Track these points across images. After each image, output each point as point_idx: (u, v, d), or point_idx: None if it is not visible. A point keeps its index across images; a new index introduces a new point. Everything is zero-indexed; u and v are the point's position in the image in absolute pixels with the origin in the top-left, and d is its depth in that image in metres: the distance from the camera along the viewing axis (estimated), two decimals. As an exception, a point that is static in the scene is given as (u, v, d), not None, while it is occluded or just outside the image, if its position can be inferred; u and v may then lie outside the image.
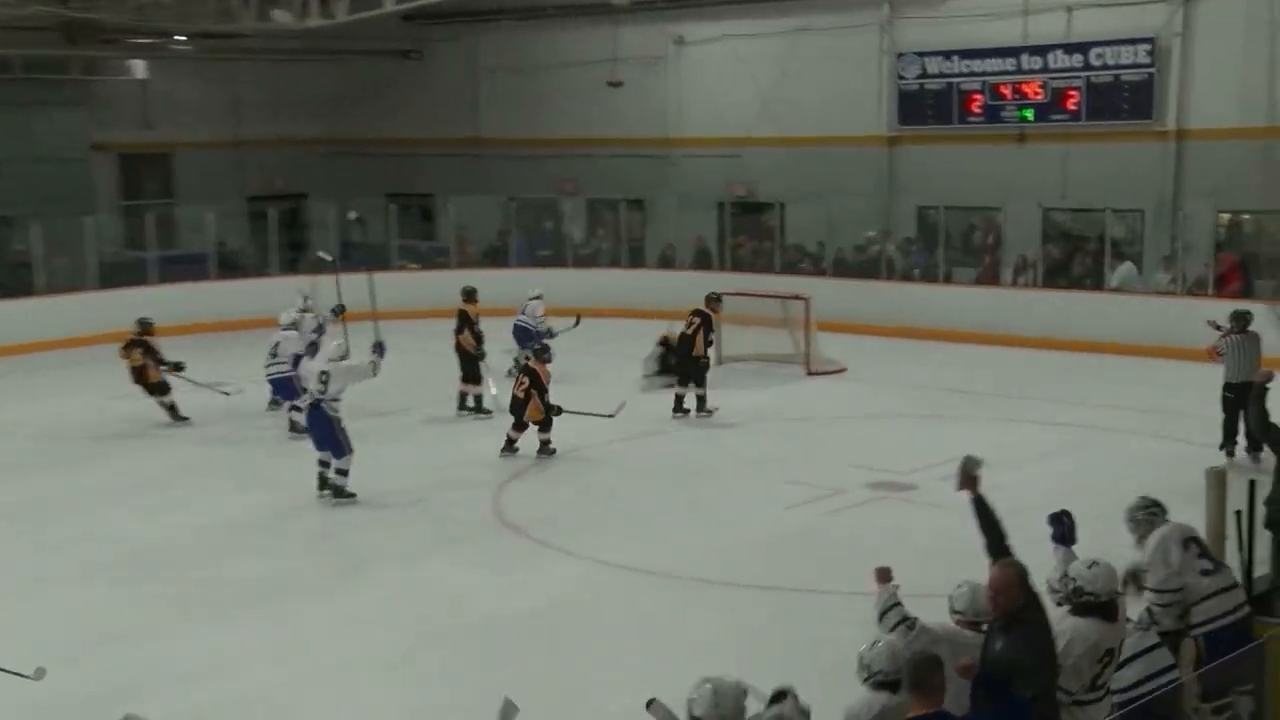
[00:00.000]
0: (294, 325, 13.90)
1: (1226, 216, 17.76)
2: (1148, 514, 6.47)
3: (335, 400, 11.00)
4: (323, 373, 11.04)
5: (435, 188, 24.18)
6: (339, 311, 14.31)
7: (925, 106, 20.15)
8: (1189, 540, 6.32)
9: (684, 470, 12.15)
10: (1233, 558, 6.76)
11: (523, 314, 16.22)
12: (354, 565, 9.73)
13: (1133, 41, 18.14)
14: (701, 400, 14.12)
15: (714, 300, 14.81)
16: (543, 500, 11.36)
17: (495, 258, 22.75)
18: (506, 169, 24.74)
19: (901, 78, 20.28)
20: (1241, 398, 11.14)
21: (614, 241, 22.59)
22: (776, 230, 20.98)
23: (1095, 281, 18.00)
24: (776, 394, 15.64)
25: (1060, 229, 19.39)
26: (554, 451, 12.53)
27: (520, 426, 12.48)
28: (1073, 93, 18.73)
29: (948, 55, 19.76)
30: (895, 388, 15.37)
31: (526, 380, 12.53)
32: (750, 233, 21.73)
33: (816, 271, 20.14)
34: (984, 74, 19.47)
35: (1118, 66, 18.32)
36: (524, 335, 15.70)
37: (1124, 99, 18.34)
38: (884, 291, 19.04)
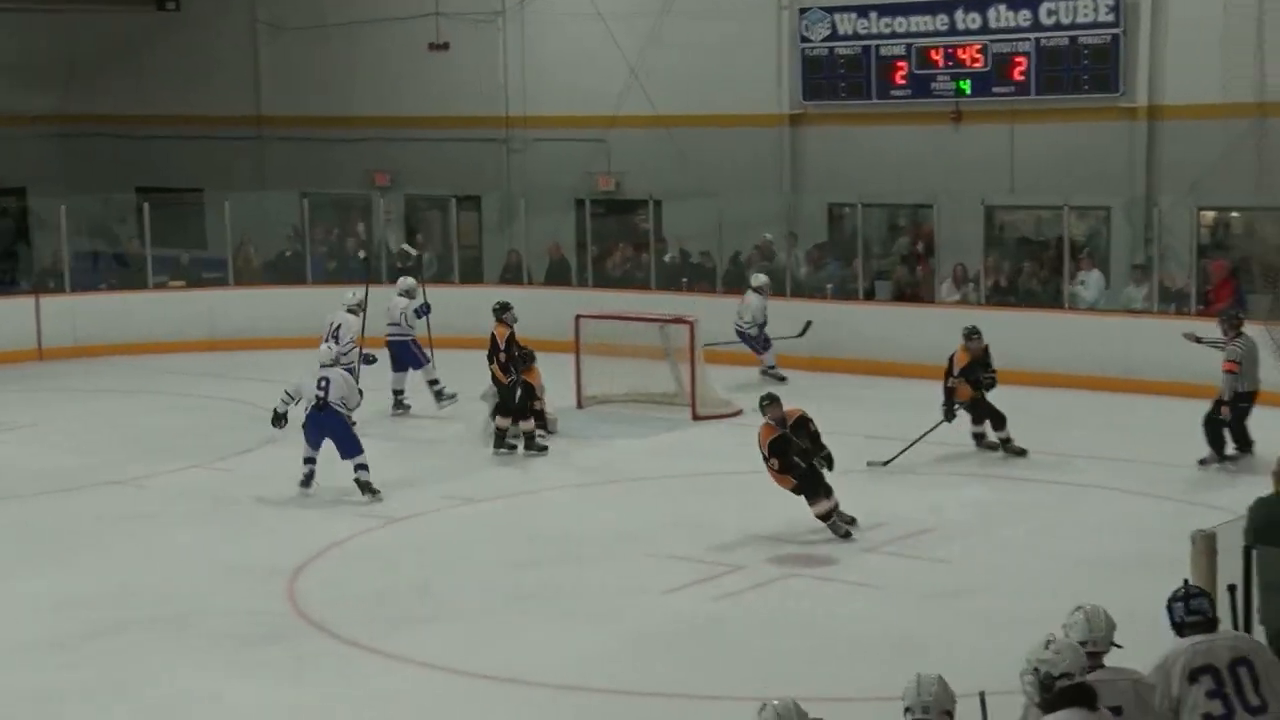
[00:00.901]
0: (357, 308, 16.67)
1: (1210, 215, 18.46)
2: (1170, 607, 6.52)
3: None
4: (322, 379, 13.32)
5: (205, 181, 23.80)
6: (424, 312, 17.17)
7: (836, 77, 20.56)
8: (1201, 671, 6.12)
9: (536, 544, 12.10)
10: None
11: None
12: (121, 679, 9.46)
13: (1092, -6, 18.82)
14: (529, 437, 15.00)
15: (499, 310, 15.49)
16: (352, 586, 11.20)
17: (286, 272, 22.42)
18: (299, 157, 24.47)
19: (805, 40, 20.67)
20: (1250, 406, 13.36)
21: (442, 250, 22.46)
22: (651, 234, 21.12)
23: (1052, 297, 18.50)
24: (654, 444, 15.69)
25: (1009, 231, 19.90)
26: (544, 448, 14.91)
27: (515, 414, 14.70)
28: (1020, 60, 19.31)
29: (863, 11, 20.21)
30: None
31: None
32: (620, 238, 21.84)
33: (704, 288, 20.32)
34: (909, 35, 19.96)
35: (1075, 27, 18.94)
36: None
37: (1083, 68, 18.97)
38: (788, 312, 19.27)
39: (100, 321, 20.94)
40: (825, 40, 20.56)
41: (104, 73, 25.76)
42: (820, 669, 9.33)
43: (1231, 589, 6.96)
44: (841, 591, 10.85)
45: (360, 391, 14.02)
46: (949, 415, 14.31)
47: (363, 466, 13.35)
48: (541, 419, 15.28)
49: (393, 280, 21.66)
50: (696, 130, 21.60)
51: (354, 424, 13.86)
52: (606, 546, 12.07)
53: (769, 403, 11.90)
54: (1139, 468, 13.91)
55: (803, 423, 11.96)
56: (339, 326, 16.61)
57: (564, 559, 11.74)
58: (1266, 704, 6.03)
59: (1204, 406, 13.86)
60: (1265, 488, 8.10)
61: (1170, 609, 6.33)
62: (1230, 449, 13.69)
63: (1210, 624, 6.29)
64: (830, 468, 11.92)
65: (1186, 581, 6.56)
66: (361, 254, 15.76)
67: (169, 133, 25.09)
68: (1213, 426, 13.70)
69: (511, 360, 15.23)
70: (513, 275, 21.56)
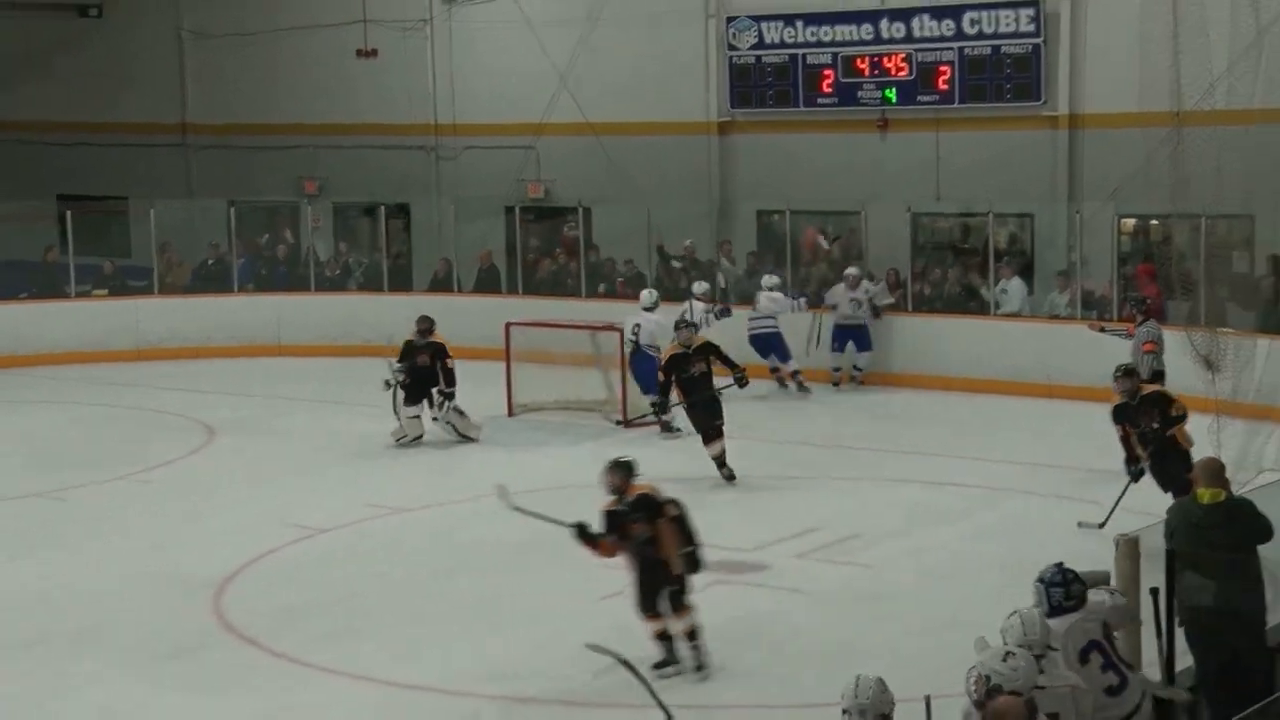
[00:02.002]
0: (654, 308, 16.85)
1: (1130, 222, 18.74)
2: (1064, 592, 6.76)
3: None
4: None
5: (129, 189, 23.57)
6: (723, 314, 17.72)
7: (764, 85, 20.70)
8: (1091, 648, 6.55)
9: (466, 553, 12.09)
10: (1149, 645, 7.09)
11: None
12: (43, 692, 9.35)
13: (1014, 4, 19.05)
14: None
15: (418, 320, 15.90)
16: (280, 598, 11.13)
17: (212, 281, 22.24)
18: (225, 164, 24.29)
19: (733, 48, 20.79)
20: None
21: (371, 258, 22.37)
22: (581, 241, 21.14)
23: (977, 303, 18.69)
24: (584, 452, 15.66)
25: (935, 237, 20.10)
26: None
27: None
28: (944, 69, 19.53)
29: (790, 20, 20.36)
30: (738, 441, 15.59)
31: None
32: (550, 245, 21.85)
33: (634, 294, 20.34)
34: (836, 44, 20.14)
35: (997, 37, 19.20)
36: None
37: (1006, 77, 19.23)
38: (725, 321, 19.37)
39: (21, 331, 20.66)
40: (752, 49, 20.69)
41: (25, 80, 25.44)
42: (755, 675, 9.40)
43: (1154, 592, 7.09)
44: (773, 598, 10.92)
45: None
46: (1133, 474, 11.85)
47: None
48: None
49: (321, 288, 21.73)
50: (625, 138, 21.66)
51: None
52: (538, 554, 12.03)
53: (683, 325, 14.31)
54: (1062, 472, 14.12)
55: (707, 349, 14.00)
56: (637, 326, 16.71)
57: (494, 567, 11.73)
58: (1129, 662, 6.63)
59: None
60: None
61: (1049, 593, 6.66)
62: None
63: (1082, 603, 6.65)
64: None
65: (1060, 565, 6.77)
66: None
67: (93, 140, 24.81)
68: None
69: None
70: (442, 283, 21.51)
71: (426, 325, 15.94)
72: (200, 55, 24.79)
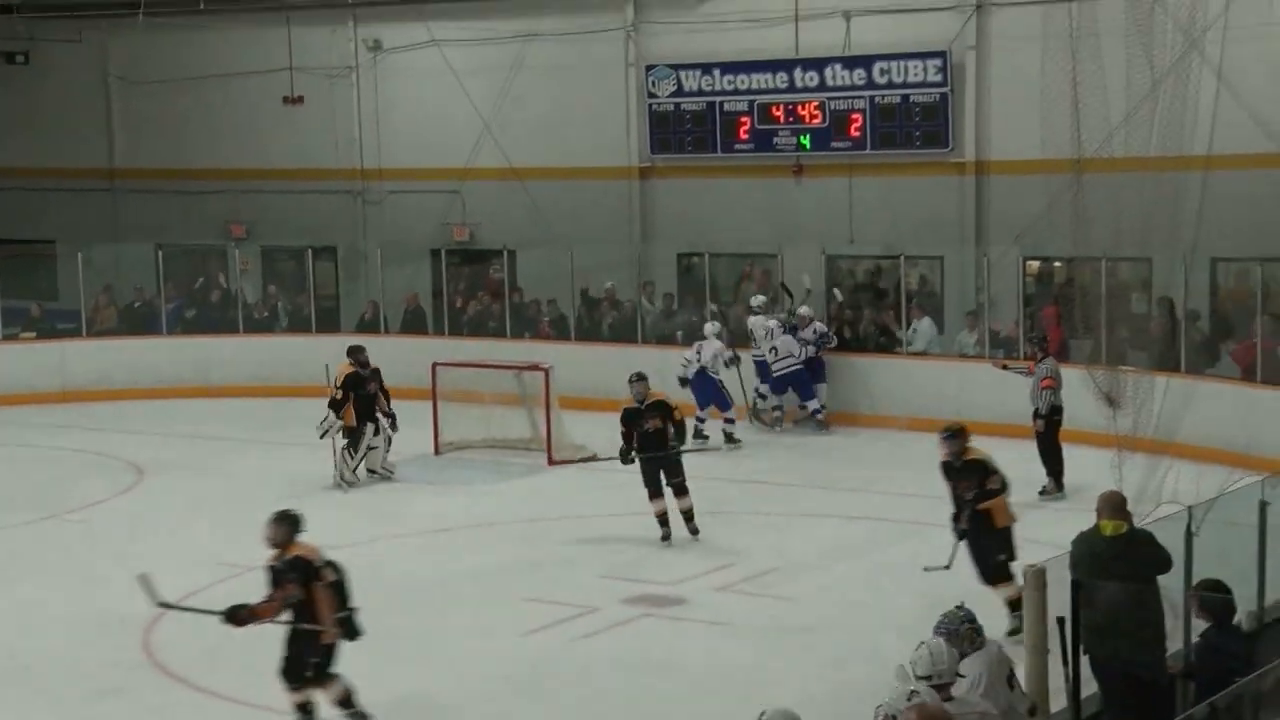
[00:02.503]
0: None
1: (1035, 264, 19.07)
2: (971, 629, 6.93)
3: None
4: None
5: (57, 233, 23.33)
6: (731, 362, 17.50)
7: (683, 131, 20.89)
8: (1013, 675, 6.85)
9: (392, 590, 11.99)
10: (1055, 671, 7.22)
11: None
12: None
13: (922, 56, 19.38)
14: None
15: (352, 351, 15.95)
16: (209, 636, 11.01)
17: (140, 323, 22.04)
18: (153, 208, 24.11)
19: (653, 96, 20.97)
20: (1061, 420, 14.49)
21: (298, 301, 22.25)
22: (505, 284, 21.18)
23: (887, 340, 18.90)
24: (511, 489, 15.71)
25: (848, 279, 20.33)
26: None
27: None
28: (856, 116, 19.81)
29: (707, 69, 20.58)
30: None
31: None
32: (475, 287, 21.86)
33: (558, 335, 20.41)
34: (752, 92, 20.37)
35: (906, 86, 19.51)
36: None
37: (915, 125, 19.54)
38: (630, 358, 19.41)
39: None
40: (671, 96, 20.88)
41: (-49, 125, 25.13)
42: (676, 707, 9.45)
43: (1060, 621, 7.22)
44: (694, 630, 10.98)
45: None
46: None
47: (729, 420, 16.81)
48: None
49: (250, 330, 21.58)
50: (548, 182, 21.75)
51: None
52: (463, 590, 12.06)
53: (636, 379, 13.59)
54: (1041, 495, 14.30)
55: (661, 407, 13.34)
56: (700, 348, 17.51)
57: (421, 604, 11.70)
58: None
59: (1033, 447, 14.34)
60: (1088, 522, 8.38)
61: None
62: (1046, 484, 14.34)
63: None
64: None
65: (961, 605, 6.93)
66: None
67: (19, 185, 24.52)
68: (1045, 451, 14.37)
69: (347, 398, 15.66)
70: (369, 325, 21.44)
71: (365, 354, 16.00)
72: (128, 101, 24.62)
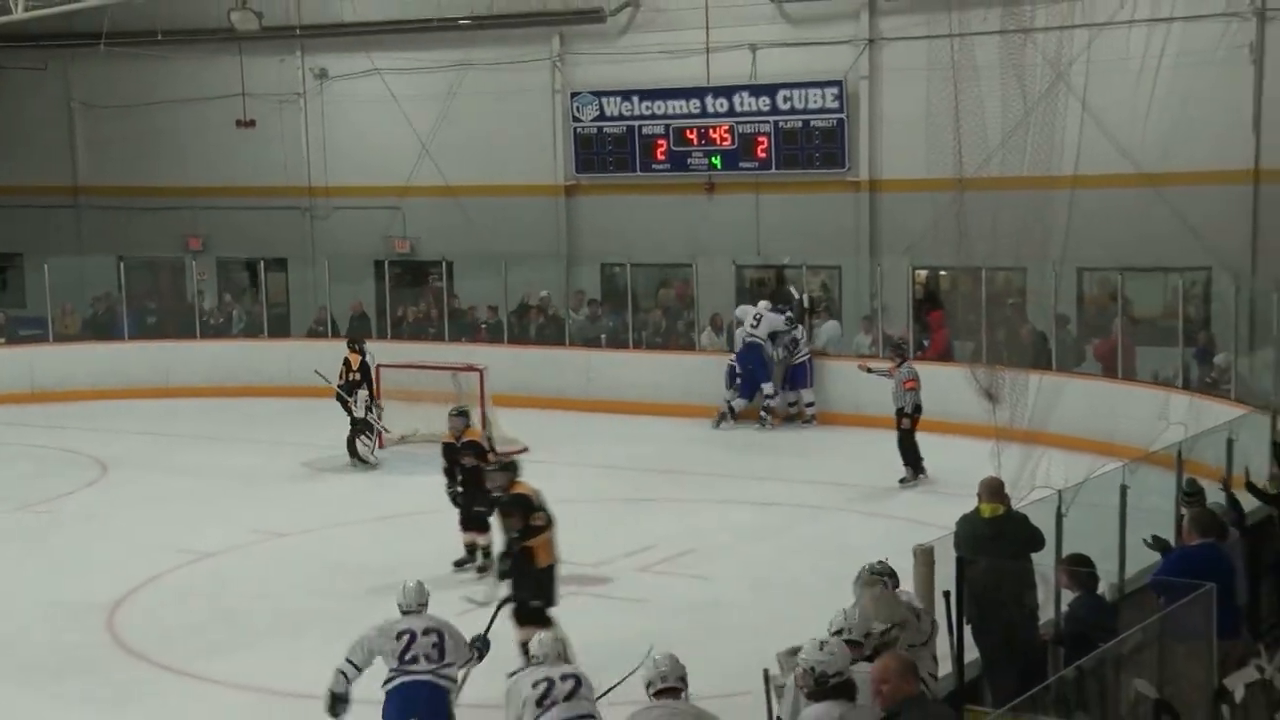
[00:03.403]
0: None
1: (923, 274, 19.29)
2: (880, 579, 7.09)
3: None
4: None
5: (24, 246, 22.93)
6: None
7: (605, 153, 20.91)
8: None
9: (340, 575, 11.96)
10: (942, 639, 7.30)
11: None
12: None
13: (820, 85, 19.53)
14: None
15: (355, 341, 16.01)
16: (169, 617, 10.91)
17: (102, 329, 21.71)
18: (115, 223, 23.76)
19: (577, 120, 20.97)
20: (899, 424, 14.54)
21: (252, 308, 22.03)
22: (443, 292, 21.09)
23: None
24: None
25: (756, 287, 20.44)
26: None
27: None
28: (762, 139, 19.92)
29: (627, 96, 20.61)
30: (585, 468, 15.70)
31: None
32: (415, 295, 21.75)
33: (492, 339, 20.35)
34: (668, 117, 20.42)
35: (806, 111, 19.66)
36: None
37: (815, 147, 19.69)
38: (569, 360, 19.47)
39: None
40: (594, 120, 20.89)
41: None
42: (600, 678, 9.43)
43: (946, 594, 7.30)
44: (617, 608, 11.00)
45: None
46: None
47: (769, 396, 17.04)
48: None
49: (206, 335, 21.33)
50: (482, 199, 21.68)
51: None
52: (407, 574, 11.95)
53: (455, 414, 12.67)
54: (867, 490, 14.44)
55: (474, 447, 12.05)
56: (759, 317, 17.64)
57: (368, 588, 11.59)
58: None
59: (933, 440, 14.52)
60: (969, 505, 8.50)
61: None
62: (904, 472, 14.53)
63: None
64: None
65: (884, 560, 7.21)
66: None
67: (-10, 201, 24.10)
68: (906, 446, 14.52)
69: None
70: (320, 330, 21.26)
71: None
72: (90, 124, 24.24)
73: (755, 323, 17.65)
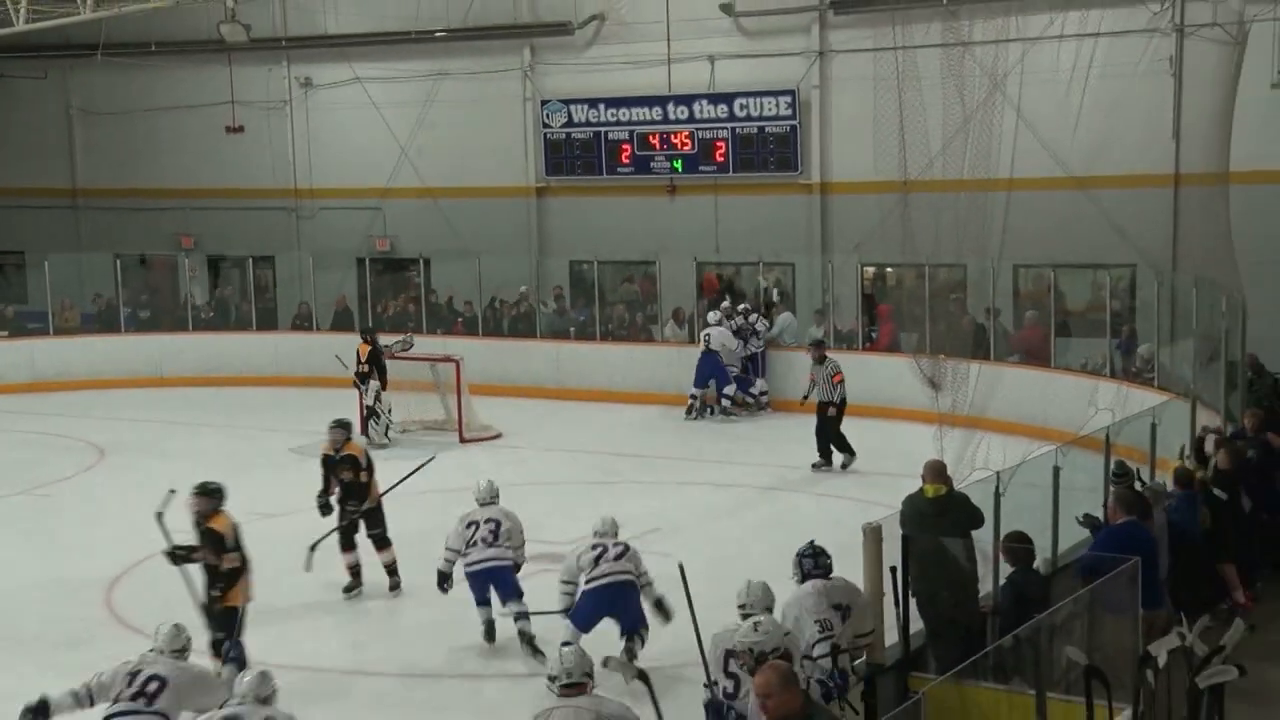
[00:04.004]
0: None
1: (871, 270, 19.35)
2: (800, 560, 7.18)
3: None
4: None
5: (27, 244, 22.68)
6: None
7: (573, 157, 20.86)
8: (835, 608, 6.95)
9: (325, 553, 11.84)
10: (889, 612, 7.33)
11: None
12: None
13: (774, 93, 19.54)
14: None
15: (367, 331, 16.08)
16: (166, 594, 10.78)
17: (103, 323, 21.51)
18: (111, 223, 23.53)
19: (547, 126, 20.90)
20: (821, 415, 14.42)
21: (242, 302, 21.86)
22: (421, 287, 21.00)
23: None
24: (428, 465, 15.56)
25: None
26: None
27: None
28: (720, 144, 19.93)
29: (594, 103, 20.56)
30: (556, 453, 15.68)
31: None
32: (395, 290, 21.64)
33: (468, 332, 20.27)
34: (632, 124, 20.40)
35: (761, 118, 19.68)
36: None
37: (769, 151, 19.71)
38: (540, 351, 19.42)
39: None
40: (563, 126, 20.83)
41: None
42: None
43: (893, 570, 7.33)
44: (583, 583, 10.95)
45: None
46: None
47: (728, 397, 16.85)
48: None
49: (198, 328, 21.17)
50: (458, 200, 21.60)
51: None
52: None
53: (334, 426, 11.21)
54: (820, 472, 14.45)
55: (351, 462, 10.98)
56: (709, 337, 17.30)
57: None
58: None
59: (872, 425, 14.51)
60: (914, 486, 8.52)
61: (800, 562, 7.17)
62: (840, 459, 14.51)
63: (828, 574, 7.11)
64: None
65: (812, 542, 7.22)
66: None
67: (-8, 202, 23.83)
68: (835, 433, 14.47)
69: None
70: (303, 323, 21.14)
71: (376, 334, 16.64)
72: (88, 129, 24.01)
73: (705, 339, 17.29)
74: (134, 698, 6.79)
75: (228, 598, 8.60)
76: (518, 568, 9.64)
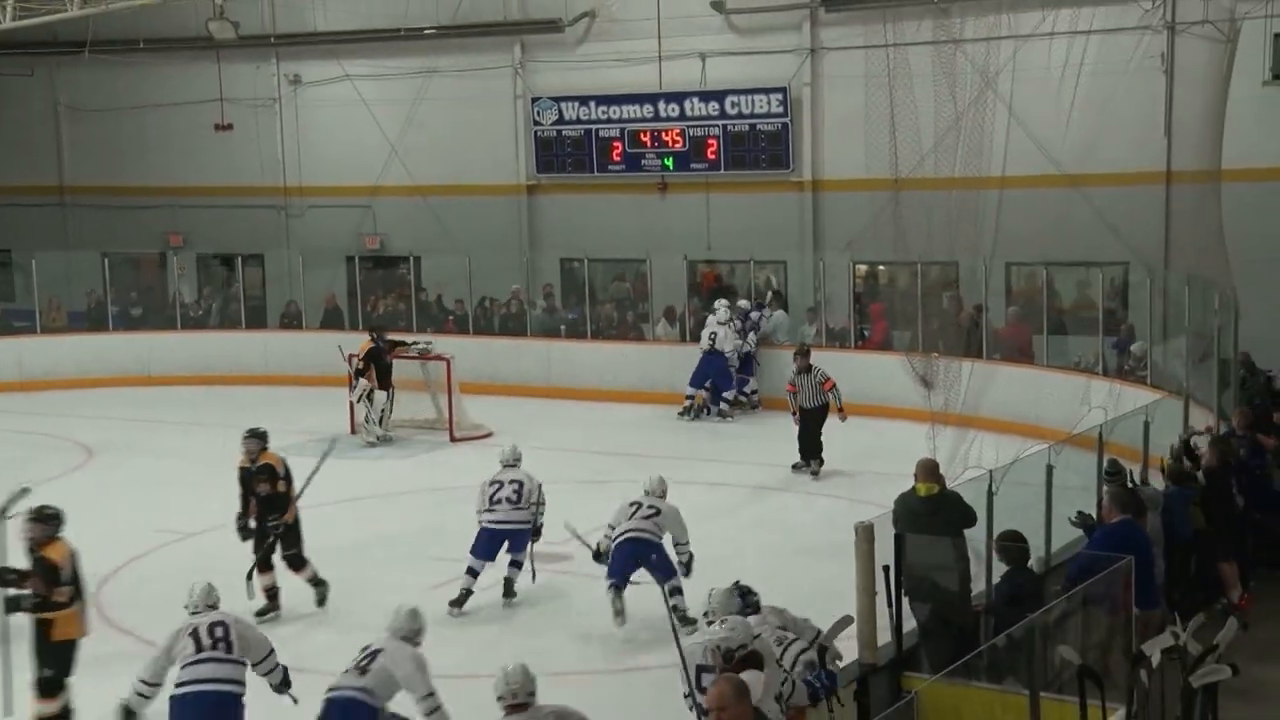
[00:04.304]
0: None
1: (863, 268, 19.34)
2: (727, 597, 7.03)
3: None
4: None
5: (14, 242, 22.61)
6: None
7: (564, 154, 20.82)
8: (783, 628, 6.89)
9: (315, 552, 11.80)
10: (882, 613, 7.31)
11: None
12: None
13: (766, 91, 19.52)
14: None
15: (373, 328, 15.99)
16: (153, 593, 10.77)
17: (91, 321, 21.44)
18: (99, 221, 23.44)
19: (537, 124, 20.86)
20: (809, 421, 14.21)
21: (230, 301, 21.79)
22: (412, 285, 20.96)
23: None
24: (419, 463, 15.55)
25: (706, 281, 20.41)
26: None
27: None
28: (711, 142, 19.91)
29: (584, 101, 20.52)
30: (548, 452, 15.62)
31: None
32: (385, 288, 21.59)
33: (458, 330, 20.22)
34: (623, 121, 20.36)
35: (753, 116, 19.65)
36: None
37: (761, 149, 19.69)
38: (531, 350, 19.38)
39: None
40: (554, 124, 20.79)
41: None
42: (564, 649, 9.42)
43: (886, 569, 7.32)
44: (575, 583, 10.96)
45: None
46: None
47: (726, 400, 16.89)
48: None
49: (186, 326, 21.10)
50: (448, 198, 21.54)
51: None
52: (374, 552, 11.92)
53: (248, 436, 10.66)
54: (809, 473, 14.44)
55: (268, 471, 10.40)
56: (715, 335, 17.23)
57: (343, 562, 11.51)
58: None
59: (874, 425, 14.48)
60: (907, 485, 8.51)
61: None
62: (810, 463, 14.33)
63: (756, 610, 6.97)
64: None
65: (737, 582, 7.14)
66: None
67: (-22, 200, 23.72)
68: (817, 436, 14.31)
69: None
70: (292, 322, 21.08)
71: (382, 332, 16.55)
72: (76, 127, 23.91)
73: (711, 339, 17.21)
74: (214, 646, 7.33)
75: (55, 631, 7.90)
76: (537, 532, 10.58)
